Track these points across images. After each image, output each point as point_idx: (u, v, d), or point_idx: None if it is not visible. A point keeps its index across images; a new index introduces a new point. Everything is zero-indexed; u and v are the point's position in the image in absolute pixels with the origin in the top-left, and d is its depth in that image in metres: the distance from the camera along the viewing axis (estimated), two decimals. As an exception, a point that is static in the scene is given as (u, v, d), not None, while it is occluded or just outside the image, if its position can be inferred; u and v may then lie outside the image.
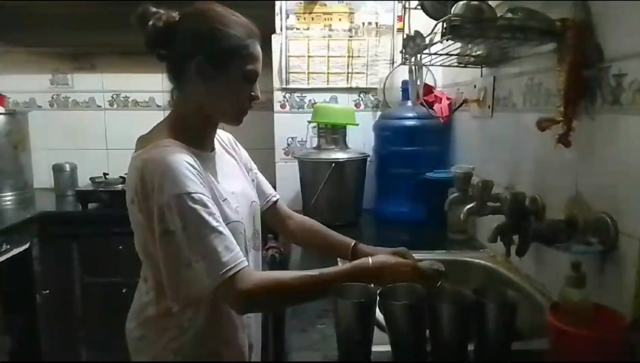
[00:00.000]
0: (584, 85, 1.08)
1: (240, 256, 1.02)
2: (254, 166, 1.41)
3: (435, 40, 1.39)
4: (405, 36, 1.66)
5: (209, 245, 1.00)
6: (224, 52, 1.08)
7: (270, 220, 1.44)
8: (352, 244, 1.34)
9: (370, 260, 1.10)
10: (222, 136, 1.32)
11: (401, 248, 1.23)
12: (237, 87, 1.12)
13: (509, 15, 1.18)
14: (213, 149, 1.21)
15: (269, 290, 1.03)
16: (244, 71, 1.10)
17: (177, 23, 1.10)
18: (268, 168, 2.42)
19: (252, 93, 1.14)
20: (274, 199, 1.44)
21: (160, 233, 1.02)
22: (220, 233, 1.01)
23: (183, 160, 1.03)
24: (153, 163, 1.02)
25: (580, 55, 1.07)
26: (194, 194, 1.01)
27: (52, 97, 2.94)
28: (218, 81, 1.10)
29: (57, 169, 2.73)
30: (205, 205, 1.02)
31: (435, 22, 1.36)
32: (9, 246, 2.06)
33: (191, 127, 1.13)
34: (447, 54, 1.52)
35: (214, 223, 1.01)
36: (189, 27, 1.10)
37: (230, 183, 1.20)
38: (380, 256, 1.12)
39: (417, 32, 1.51)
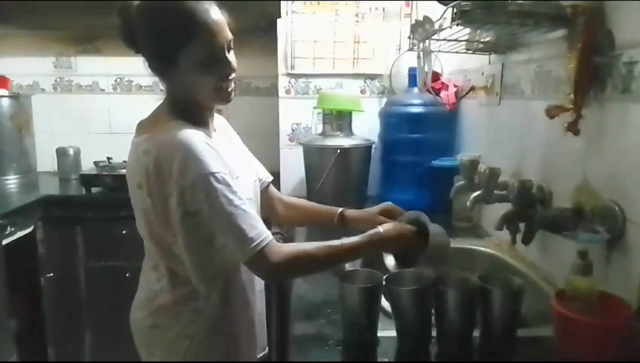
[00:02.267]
0: (594, 72, 1.06)
1: (265, 230, 1.04)
2: (246, 148, 1.39)
3: (444, 26, 1.37)
4: (414, 22, 1.64)
5: (234, 223, 1.01)
6: (174, 42, 1.04)
7: (262, 202, 1.42)
8: (339, 212, 1.36)
9: (381, 228, 1.13)
10: (216, 118, 1.29)
11: (387, 203, 1.32)
12: (202, 70, 1.06)
13: (520, 0, 1.17)
14: (213, 129, 1.21)
15: (297, 261, 1.07)
16: (201, 51, 1.04)
17: (134, 20, 1.07)
18: (272, 154, 2.42)
19: (226, 67, 1.08)
20: (269, 181, 1.43)
21: (182, 215, 1.03)
22: (244, 211, 1.03)
23: (200, 140, 1.04)
24: (169, 146, 1.02)
25: (591, 42, 1.06)
26: (217, 174, 1.02)
27: (56, 81, 2.91)
28: (182, 70, 1.06)
29: (61, 153, 2.71)
30: (228, 184, 1.03)
31: (444, 7, 1.35)
32: (13, 229, 2.06)
33: (188, 110, 1.12)
34: (455, 40, 1.50)
35: (238, 201, 1.03)
36: (140, 24, 1.07)
37: (236, 163, 1.20)
38: (388, 224, 1.17)
39: (426, 18, 1.49)
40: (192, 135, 1.04)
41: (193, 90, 1.10)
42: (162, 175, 1.02)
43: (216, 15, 1.06)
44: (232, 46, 1.10)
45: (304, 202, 1.50)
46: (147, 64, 1.11)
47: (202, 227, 1.04)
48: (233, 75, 1.11)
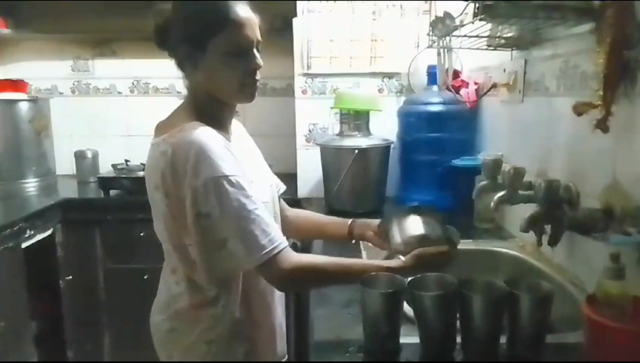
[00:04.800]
0: (624, 67, 1.02)
1: (277, 238, 1.02)
2: (261, 154, 1.38)
3: (466, 22, 1.34)
4: (434, 18, 1.61)
5: (246, 229, 1.00)
6: (205, 31, 1.06)
7: None
8: (349, 223, 1.33)
9: (402, 258, 1.09)
10: (233, 123, 1.28)
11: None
12: (230, 62, 1.07)
13: (545, -7, 1.13)
14: (231, 132, 1.20)
15: (308, 272, 1.05)
16: (231, 43, 1.06)
17: (169, 16, 1.09)
18: (289, 155, 2.40)
19: (252, 63, 1.09)
20: (283, 190, 1.40)
21: (195, 216, 1.02)
22: (258, 216, 1.01)
23: (216, 140, 1.03)
24: (184, 146, 1.01)
25: (621, 35, 1.01)
26: (231, 177, 1.00)
27: (74, 84, 2.93)
28: (209, 60, 1.07)
29: (79, 155, 2.73)
30: (242, 188, 1.01)
31: (462, 3, 1.31)
32: (32, 232, 2.08)
33: (208, 111, 1.12)
34: (477, 36, 1.46)
35: (251, 206, 1.01)
36: (175, 16, 1.09)
37: (252, 166, 1.18)
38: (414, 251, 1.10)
39: (446, 13, 1.46)
40: (207, 135, 1.02)
41: (218, 84, 1.10)
42: (178, 176, 1.01)
43: (250, 13, 1.09)
44: (259, 48, 1.11)
45: (310, 215, 1.48)
46: (176, 59, 1.12)
47: (214, 230, 1.02)
48: (258, 74, 1.12)
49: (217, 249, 1.04)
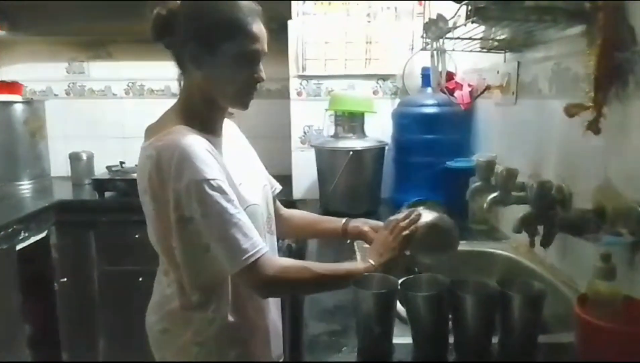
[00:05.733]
0: (616, 69, 1.03)
1: (259, 243, 1.01)
2: (256, 155, 1.38)
3: (458, 24, 1.35)
4: (427, 20, 1.61)
5: (227, 232, 0.99)
6: (218, 34, 1.06)
7: None
8: (342, 223, 1.34)
9: (371, 261, 1.12)
10: (226, 123, 1.28)
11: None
12: (236, 69, 1.08)
13: (537, -4, 1.14)
14: (221, 134, 1.20)
15: (290, 277, 1.05)
16: (241, 51, 1.07)
17: (178, 10, 1.09)
18: (284, 157, 2.40)
19: (255, 74, 1.10)
20: (279, 190, 1.40)
21: (176, 220, 1.02)
22: (239, 220, 1.01)
23: (200, 145, 1.02)
24: (168, 150, 1.01)
25: (612, 37, 1.02)
26: (212, 181, 1.00)
27: (69, 86, 2.93)
28: (215, 63, 1.07)
29: (74, 157, 2.72)
30: (223, 192, 1.01)
31: (457, 5, 1.32)
32: (27, 234, 2.07)
33: (199, 113, 1.12)
34: (470, 38, 1.47)
35: (233, 211, 1.01)
36: (186, 12, 1.08)
37: (242, 168, 1.18)
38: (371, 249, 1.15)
39: (439, 16, 1.47)
40: (191, 140, 1.02)
41: (219, 85, 1.10)
42: (163, 180, 1.01)
43: (263, 27, 1.11)
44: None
45: (305, 215, 1.48)
46: (177, 54, 1.11)
47: (195, 234, 1.03)
48: (257, 87, 1.13)
49: (200, 253, 1.05)
